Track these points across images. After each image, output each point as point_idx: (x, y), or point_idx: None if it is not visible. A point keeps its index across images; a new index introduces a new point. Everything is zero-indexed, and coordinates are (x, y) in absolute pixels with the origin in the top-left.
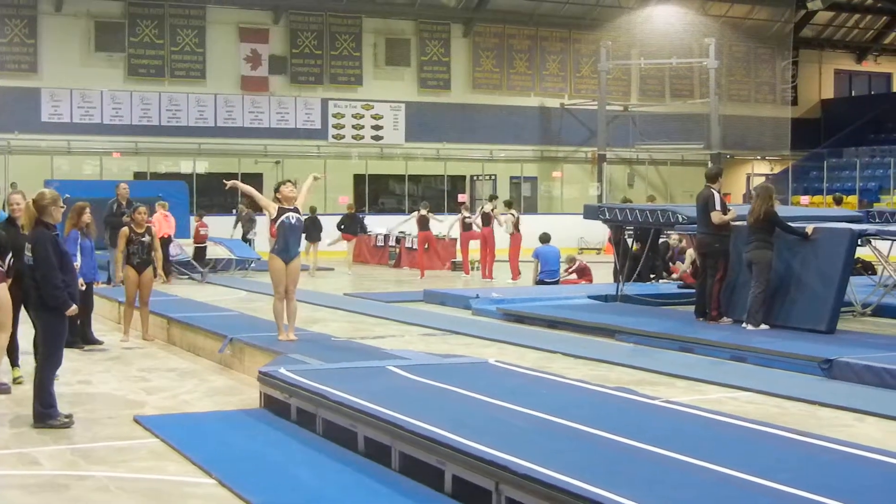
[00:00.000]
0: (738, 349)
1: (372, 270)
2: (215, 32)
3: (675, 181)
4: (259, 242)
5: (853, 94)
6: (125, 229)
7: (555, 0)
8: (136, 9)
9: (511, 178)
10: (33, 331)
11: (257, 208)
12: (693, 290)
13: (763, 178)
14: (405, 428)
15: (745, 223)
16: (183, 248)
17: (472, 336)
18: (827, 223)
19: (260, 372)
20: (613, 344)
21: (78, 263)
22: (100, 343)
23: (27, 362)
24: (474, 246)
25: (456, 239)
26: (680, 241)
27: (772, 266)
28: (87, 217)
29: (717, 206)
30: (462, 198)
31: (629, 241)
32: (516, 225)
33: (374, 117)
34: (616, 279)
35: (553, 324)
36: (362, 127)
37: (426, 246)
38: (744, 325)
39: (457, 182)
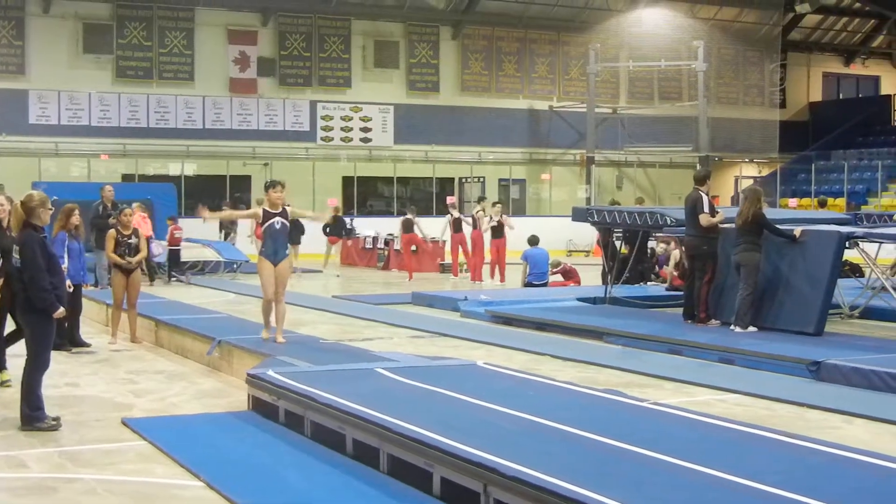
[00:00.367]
0: (727, 351)
1: (360, 273)
2: (204, 34)
3: (664, 184)
4: (239, 243)
5: (841, 96)
6: (112, 231)
7: (544, 2)
8: (124, 10)
9: (500, 180)
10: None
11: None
12: (681, 293)
13: (751, 181)
14: (393, 430)
15: (733, 225)
16: (164, 248)
17: (461, 338)
18: (815, 226)
19: (248, 374)
20: (602, 346)
21: (65, 265)
22: (87, 345)
23: (16, 365)
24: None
25: (445, 241)
26: (667, 245)
27: (760, 268)
28: (75, 219)
29: (706, 209)
30: (450, 199)
31: (617, 243)
32: (500, 223)
33: (363, 119)
34: (604, 281)
35: (541, 326)
36: (351, 129)
37: (413, 248)
38: (732, 327)
39: (445, 184)
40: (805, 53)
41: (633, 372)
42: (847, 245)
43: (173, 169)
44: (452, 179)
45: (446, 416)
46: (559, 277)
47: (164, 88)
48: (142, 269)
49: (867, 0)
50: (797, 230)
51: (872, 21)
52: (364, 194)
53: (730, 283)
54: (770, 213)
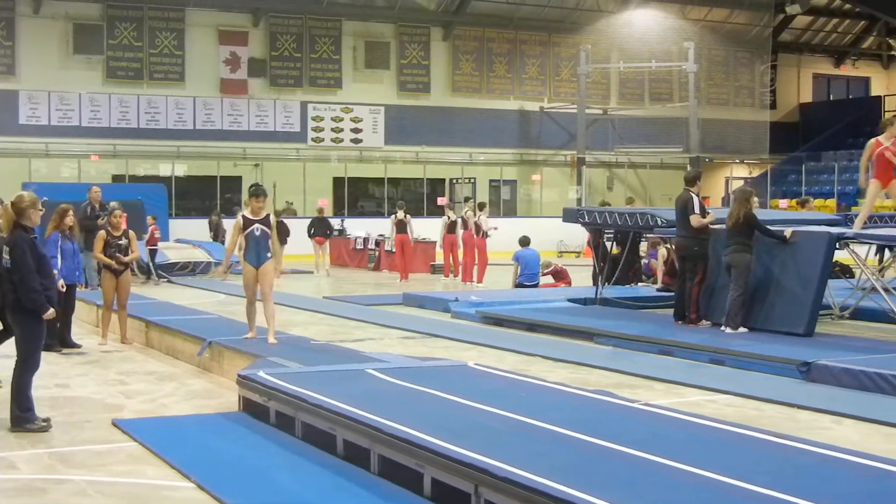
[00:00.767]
0: (717, 352)
1: (351, 273)
2: (194, 35)
3: (654, 184)
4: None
5: (831, 97)
6: (102, 232)
7: (534, 4)
8: (114, 11)
9: (490, 181)
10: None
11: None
12: (672, 294)
13: (742, 182)
14: (384, 431)
15: (723, 226)
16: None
17: (452, 339)
18: (805, 226)
19: (239, 375)
20: (592, 347)
21: (59, 266)
22: (78, 346)
23: (6, 366)
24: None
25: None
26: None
27: (750, 269)
28: (69, 220)
29: (696, 210)
30: (442, 200)
31: (608, 244)
32: (477, 223)
33: (354, 120)
34: (595, 282)
35: (532, 327)
36: (341, 130)
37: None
38: (723, 328)
39: (436, 185)
40: (795, 55)
41: (624, 373)
42: (837, 246)
43: (164, 170)
44: (443, 180)
45: (437, 416)
46: (550, 278)
47: (155, 89)
48: (132, 270)
49: (857, 1)
50: (788, 231)
51: (862, 22)
52: (355, 195)
53: (720, 284)
54: (760, 213)
